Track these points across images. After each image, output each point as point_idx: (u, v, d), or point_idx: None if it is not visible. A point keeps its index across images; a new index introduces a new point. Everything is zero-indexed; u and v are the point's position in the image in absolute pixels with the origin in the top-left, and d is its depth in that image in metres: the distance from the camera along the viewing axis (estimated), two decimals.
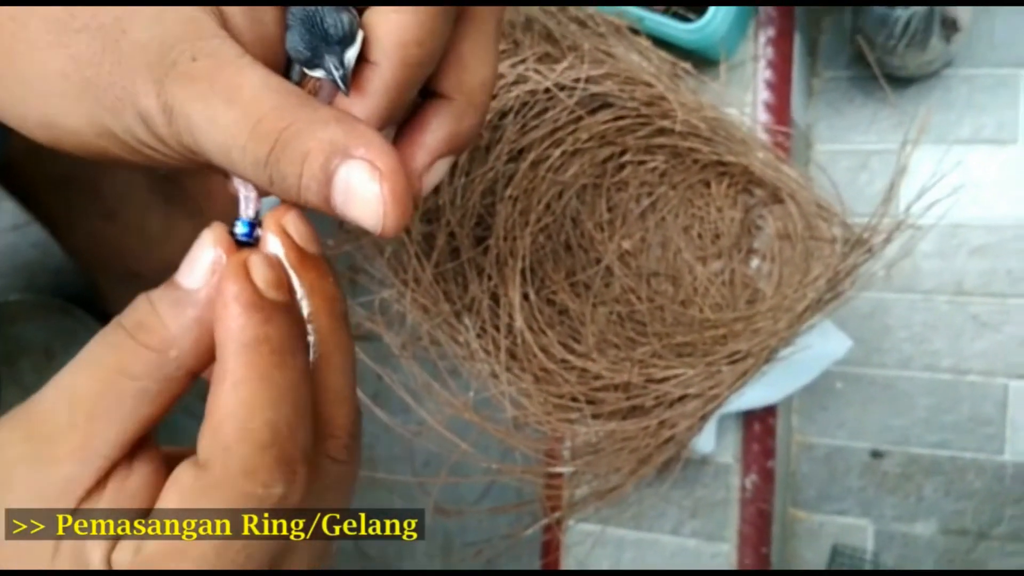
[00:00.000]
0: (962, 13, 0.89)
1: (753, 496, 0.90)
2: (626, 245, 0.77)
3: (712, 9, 0.76)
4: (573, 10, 0.74)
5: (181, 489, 0.27)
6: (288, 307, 0.28)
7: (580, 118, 0.73)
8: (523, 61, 0.71)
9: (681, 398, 0.72)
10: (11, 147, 0.74)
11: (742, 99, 0.85)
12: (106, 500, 0.28)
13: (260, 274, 0.28)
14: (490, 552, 0.92)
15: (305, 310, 0.29)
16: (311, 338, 0.29)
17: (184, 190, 1.03)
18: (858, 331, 0.85)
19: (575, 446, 0.75)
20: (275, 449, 0.27)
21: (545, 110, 0.73)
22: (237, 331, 0.27)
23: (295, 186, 0.28)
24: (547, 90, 0.72)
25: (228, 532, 0.27)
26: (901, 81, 0.98)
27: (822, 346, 0.78)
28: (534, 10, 0.73)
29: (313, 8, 0.30)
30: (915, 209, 0.77)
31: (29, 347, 1.04)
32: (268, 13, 0.31)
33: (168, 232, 1.00)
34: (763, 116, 0.85)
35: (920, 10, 0.86)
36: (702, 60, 0.83)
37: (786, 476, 0.98)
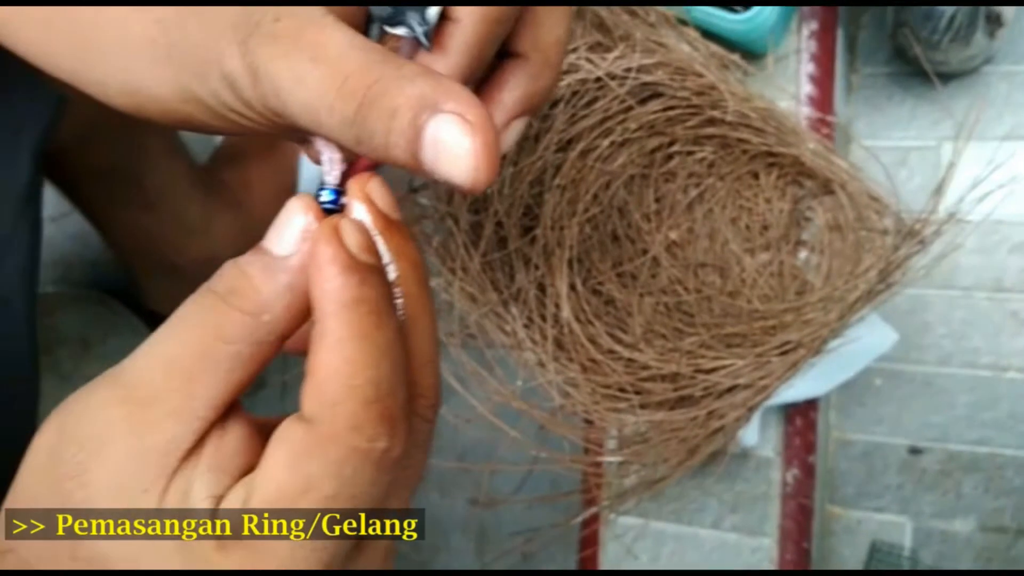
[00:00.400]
0: (1007, 8, 0.88)
1: (794, 491, 0.89)
2: (673, 236, 0.77)
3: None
4: None
5: (291, 444, 0.28)
6: (380, 270, 0.29)
7: (630, 108, 0.73)
8: (574, 50, 0.71)
9: (730, 389, 0.72)
10: (57, 136, 0.75)
11: (785, 92, 0.85)
12: (205, 460, 0.29)
13: (352, 238, 0.28)
14: (529, 545, 0.92)
15: (391, 275, 0.30)
16: (398, 301, 0.30)
17: (223, 182, 1.04)
18: (897, 327, 0.85)
19: (623, 436, 0.74)
20: (379, 405, 0.27)
21: (595, 99, 0.73)
22: (335, 292, 0.27)
23: (383, 144, 0.29)
24: (598, 79, 0.72)
25: (340, 483, 0.27)
26: (941, 77, 0.98)
27: (869, 338, 0.78)
28: None
29: None
30: (962, 204, 0.77)
31: (66, 338, 1.04)
32: None
33: (207, 224, 1.00)
34: (806, 110, 0.85)
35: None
36: (746, 53, 0.84)
37: (824, 472, 0.98)
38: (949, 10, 0.87)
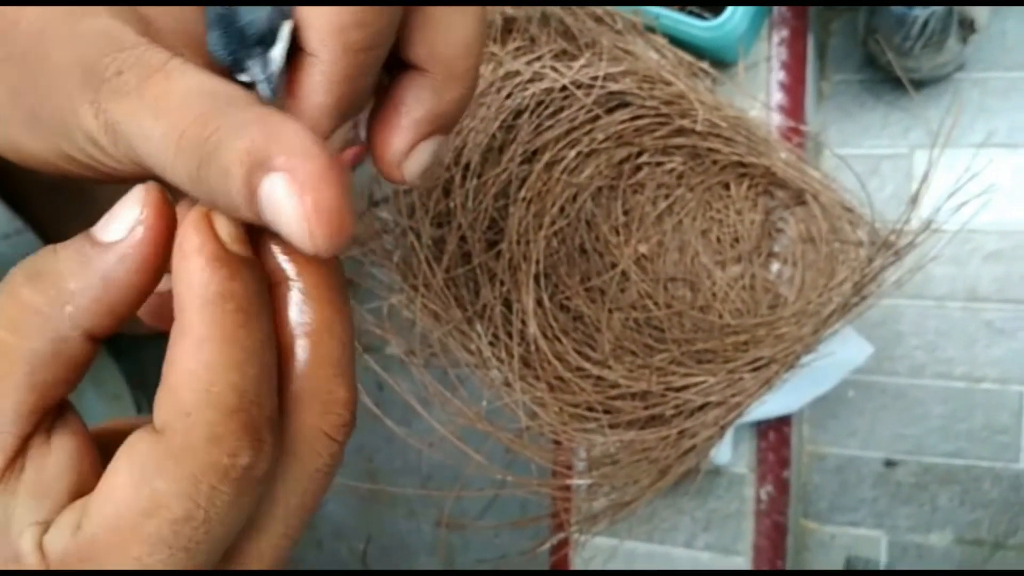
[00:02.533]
0: (979, 14, 0.87)
1: (768, 508, 0.87)
2: (642, 249, 0.75)
3: (730, 7, 0.74)
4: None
5: (137, 457, 0.25)
6: (253, 264, 0.26)
7: (597, 117, 0.71)
8: (539, 59, 0.68)
9: (702, 407, 0.70)
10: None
11: (755, 101, 0.83)
12: (25, 484, 0.26)
13: (225, 226, 0.25)
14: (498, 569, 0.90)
15: (296, 275, 0.27)
16: (307, 307, 0.27)
17: (182, 193, 1.00)
18: (870, 339, 0.83)
19: (592, 457, 0.72)
20: (242, 414, 0.24)
21: (561, 109, 0.71)
22: (200, 286, 0.24)
23: (230, 205, 0.25)
24: (563, 88, 0.69)
25: (193, 504, 0.24)
26: (913, 84, 0.97)
27: (843, 352, 0.76)
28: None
29: (228, 6, 0.26)
30: (936, 213, 0.76)
31: None
32: (192, 10, 0.28)
33: None
34: (777, 118, 0.83)
35: (939, 10, 0.84)
36: (715, 61, 0.81)
37: (798, 487, 0.96)
38: (922, 16, 0.85)
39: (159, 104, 0.25)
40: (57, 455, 0.26)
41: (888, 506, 0.98)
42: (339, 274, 0.28)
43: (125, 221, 0.26)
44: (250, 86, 0.27)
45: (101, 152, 0.27)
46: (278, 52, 0.26)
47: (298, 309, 0.27)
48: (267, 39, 0.26)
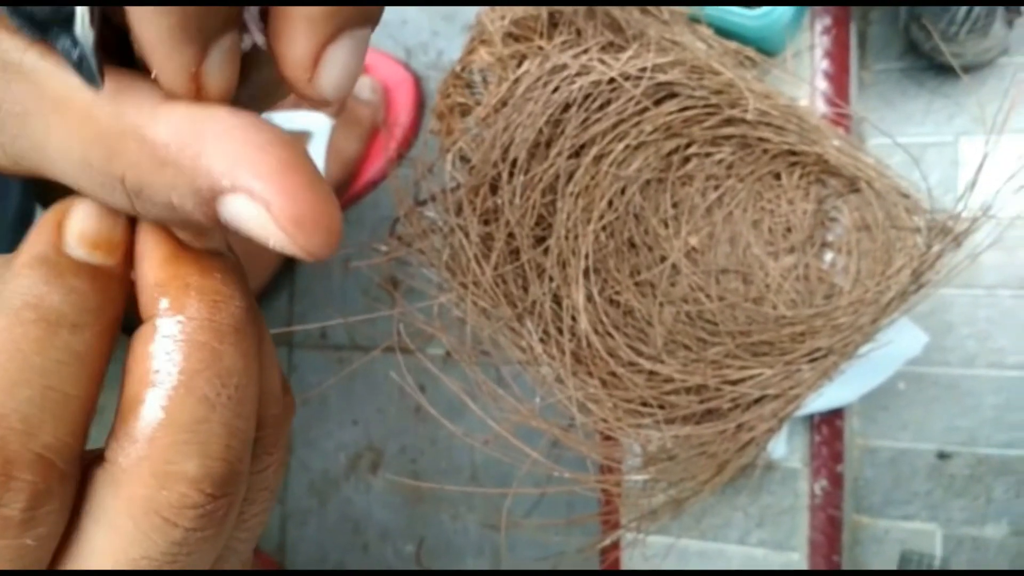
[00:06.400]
0: None
1: (823, 502, 0.86)
2: (692, 241, 0.74)
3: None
4: None
5: None
6: (99, 273, 0.22)
7: (645, 109, 0.70)
8: (586, 51, 0.68)
9: (759, 399, 0.69)
10: None
11: (800, 90, 0.82)
12: None
13: (78, 224, 0.22)
14: (545, 565, 0.89)
15: (177, 319, 0.22)
16: (170, 349, 0.22)
17: None
18: (920, 329, 0.82)
19: (648, 453, 0.71)
20: None
21: (608, 102, 0.70)
22: (7, 289, 0.21)
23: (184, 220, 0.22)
24: (611, 81, 0.69)
25: None
26: (954, 71, 0.95)
27: (899, 342, 0.75)
28: None
29: None
30: (995, 198, 0.74)
31: None
32: None
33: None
34: (821, 107, 0.82)
35: None
36: (759, 51, 0.80)
37: (850, 481, 0.95)
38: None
39: (42, 125, 0.22)
40: None
41: (942, 499, 0.96)
42: (235, 311, 0.23)
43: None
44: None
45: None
46: (81, 11, 0.19)
47: (158, 348, 0.22)
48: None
